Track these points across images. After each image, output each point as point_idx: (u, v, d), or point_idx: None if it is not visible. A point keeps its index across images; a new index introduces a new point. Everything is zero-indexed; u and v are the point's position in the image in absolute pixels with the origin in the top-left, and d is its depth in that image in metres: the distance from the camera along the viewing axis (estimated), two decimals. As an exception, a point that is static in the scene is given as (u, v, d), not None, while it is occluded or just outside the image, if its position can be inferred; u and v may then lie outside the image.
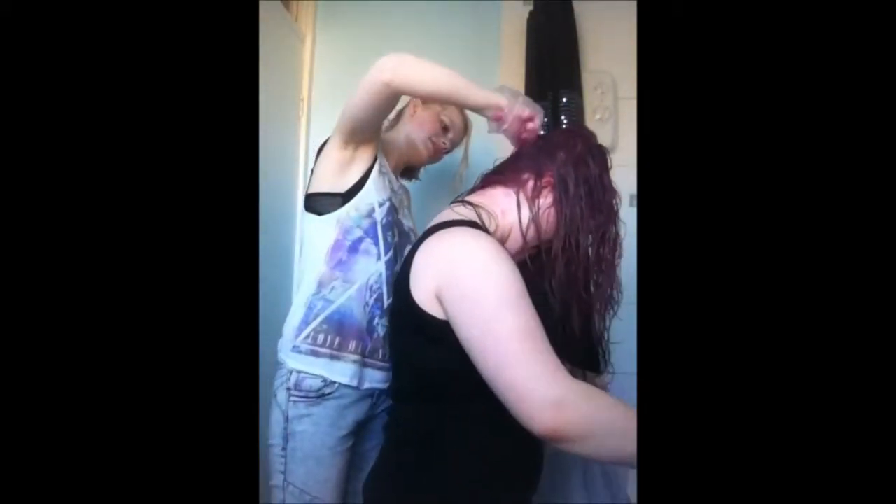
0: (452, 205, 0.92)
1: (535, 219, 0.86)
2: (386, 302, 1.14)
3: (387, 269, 1.15)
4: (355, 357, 1.11)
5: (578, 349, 0.87)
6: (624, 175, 1.68)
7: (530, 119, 0.98)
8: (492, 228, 0.86)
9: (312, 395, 1.08)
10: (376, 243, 1.14)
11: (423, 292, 0.79)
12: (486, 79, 1.78)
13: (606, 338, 0.90)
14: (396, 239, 1.18)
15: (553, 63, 1.63)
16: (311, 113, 1.77)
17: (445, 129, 1.32)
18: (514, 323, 0.71)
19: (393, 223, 1.18)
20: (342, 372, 1.10)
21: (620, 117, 1.72)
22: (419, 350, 0.83)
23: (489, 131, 1.02)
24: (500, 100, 0.98)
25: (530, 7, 1.73)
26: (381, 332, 1.14)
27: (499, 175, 0.94)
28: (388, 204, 1.17)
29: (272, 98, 1.49)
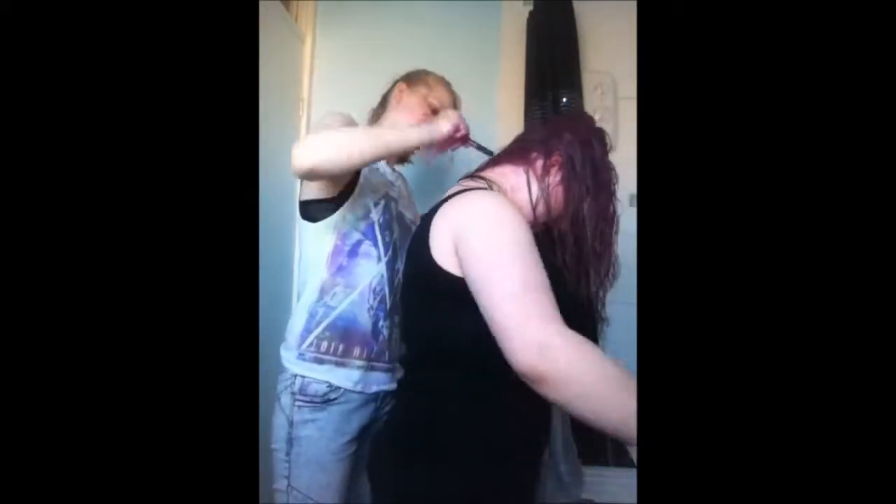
0: (462, 181, 0.95)
1: (544, 196, 0.90)
2: (389, 303, 1.14)
3: (387, 269, 1.14)
4: (361, 363, 1.10)
5: (586, 318, 0.91)
6: (624, 175, 1.69)
7: (456, 130, 1.02)
8: None
9: (318, 400, 1.08)
10: (375, 245, 1.13)
11: (443, 251, 0.82)
12: (486, 79, 1.79)
13: (602, 306, 0.95)
14: (396, 235, 1.17)
15: (553, 63, 1.63)
16: (311, 113, 1.77)
17: (434, 111, 1.26)
18: (519, 270, 0.74)
19: (392, 220, 1.17)
20: (348, 378, 1.10)
21: (620, 117, 1.72)
22: (439, 312, 0.84)
23: (426, 163, 1.05)
24: (433, 130, 1.01)
25: (530, 7, 1.73)
26: (386, 334, 1.13)
27: (507, 154, 0.98)
28: (383, 202, 1.16)
29: (272, 98, 1.49)
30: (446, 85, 1.32)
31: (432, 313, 0.85)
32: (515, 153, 0.96)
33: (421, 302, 0.90)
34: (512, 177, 0.93)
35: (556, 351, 0.68)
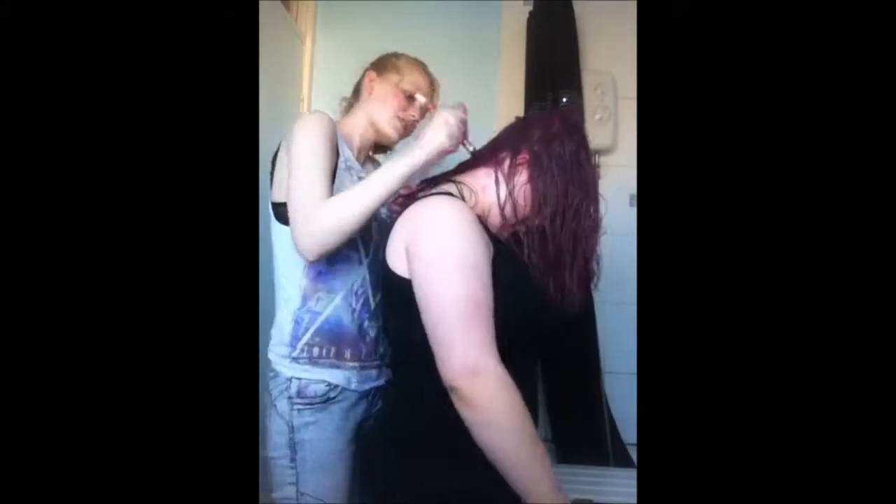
0: (436, 182, 0.96)
1: (511, 195, 0.89)
2: (373, 304, 1.11)
3: (370, 271, 1.10)
4: (352, 364, 1.09)
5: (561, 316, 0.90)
6: (624, 175, 1.70)
7: (458, 140, 0.96)
8: (471, 204, 0.89)
9: (318, 401, 1.05)
10: (355, 247, 1.08)
11: (395, 255, 0.84)
12: (486, 79, 1.80)
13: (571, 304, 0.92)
14: (375, 233, 1.12)
15: (553, 63, 1.63)
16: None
17: (411, 98, 1.18)
18: (462, 288, 0.76)
19: (370, 220, 1.10)
20: (344, 377, 1.08)
21: (620, 117, 1.72)
22: (396, 313, 0.86)
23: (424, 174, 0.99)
24: (430, 149, 0.93)
25: (530, 7, 1.73)
26: (372, 333, 1.11)
27: (480, 156, 0.97)
28: None
29: (272, 98, 1.49)
30: (420, 67, 1.22)
31: (398, 314, 0.85)
32: (487, 154, 0.95)
33: (387, 303, 0.91)
34: (483, 178, 0.92)
35: (487, 377, 0.73)
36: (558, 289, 0.87)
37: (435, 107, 1.03)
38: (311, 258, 0.95)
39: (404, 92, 1.17)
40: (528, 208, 0.89)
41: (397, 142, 1.22)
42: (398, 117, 1.18)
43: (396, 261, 0.84)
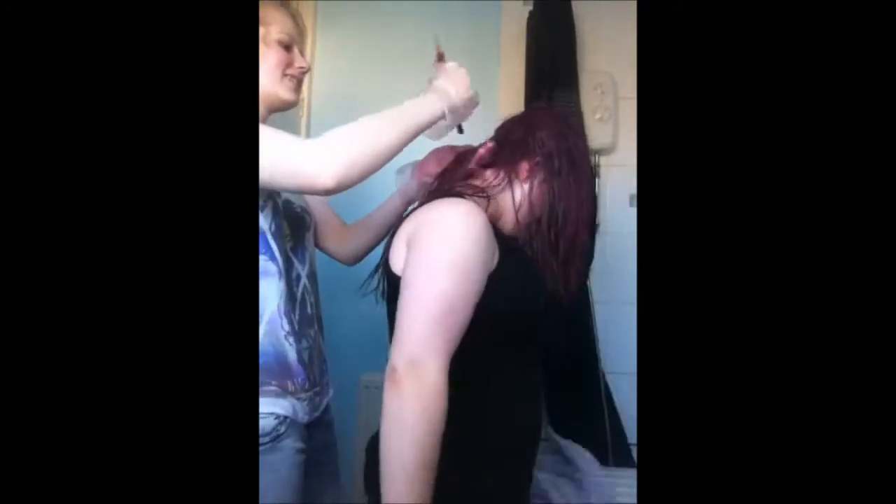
0: (445, 189, 0.94)
1: (529, 197, 0.90)
2: (297, 320, 0.99)
3: (286, 283, 0.97)
4: (297, 395, 0.97)
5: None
6: (624, 175, 1.70)
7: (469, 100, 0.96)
8: (483, 207, 0.88)
9: (267, 440, 0.91)
10: (273, 258, 0.95)
11: (397, 255, 0.83)
12: (486, 79, 1.79)
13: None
14: (289, 235, 1.01)
15: (552, 63, 1.63)
16: (311, 113, 1.77)
17: (287, 48, 1.00)
18: (443, 288, 0.74)
19: (281, 220, 0.99)
20: (291, 408, 0.95)
21: (620, 117, 1.72)
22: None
23: (434, 137, 0.96)
24: (444, 98, 0.94)
25: (530, 7, 1.73)
26: (312, 355, 1.01)
27: (488, 160, 0.97)
28: (271, 203, 0.96)
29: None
30: (282, 9, 1.03)
31: (394, 315, 0.84)
32: (497, 157, 0.95)
33: (390, 307, 0.89)
34: (493, 182, 0.92)
35: (422, 377, 0.71)
36: (565, 279, 0.88)
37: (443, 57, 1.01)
38: (322, 185, 0.78)
39: (279, 43, 0.99)
40: (542, 208, 0.90)
41: (296, 102, 1.06)
42: (287, 74, 1.00)
43: (397, 261, 0.83)
